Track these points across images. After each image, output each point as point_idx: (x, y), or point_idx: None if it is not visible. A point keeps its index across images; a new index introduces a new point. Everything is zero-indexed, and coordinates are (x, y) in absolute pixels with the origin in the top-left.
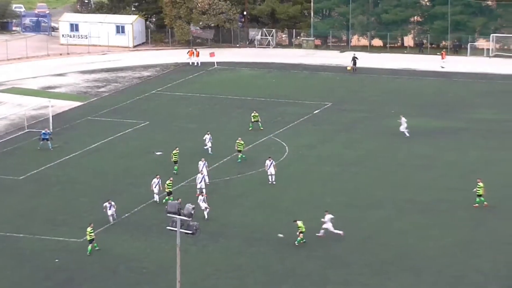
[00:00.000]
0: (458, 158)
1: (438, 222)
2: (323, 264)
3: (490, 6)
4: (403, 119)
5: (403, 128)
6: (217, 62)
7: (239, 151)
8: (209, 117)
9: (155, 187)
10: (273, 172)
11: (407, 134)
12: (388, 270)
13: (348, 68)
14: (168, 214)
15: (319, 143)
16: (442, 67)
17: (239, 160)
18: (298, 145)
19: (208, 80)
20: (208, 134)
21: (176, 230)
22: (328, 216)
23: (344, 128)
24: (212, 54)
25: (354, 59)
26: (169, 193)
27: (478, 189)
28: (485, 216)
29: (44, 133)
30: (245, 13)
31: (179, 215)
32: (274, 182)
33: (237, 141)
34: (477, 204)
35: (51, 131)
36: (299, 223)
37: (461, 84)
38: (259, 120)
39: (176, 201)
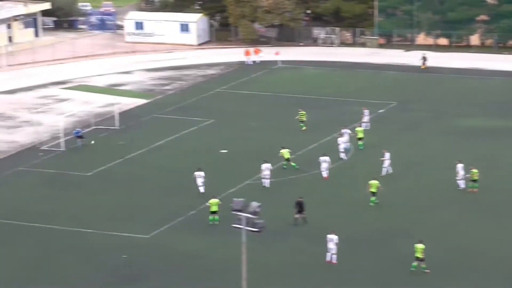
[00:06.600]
0: None
1: None
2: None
3: None
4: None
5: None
6: (281, 61)
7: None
8: (272, 115)
9: (199, 179)
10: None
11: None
12: None
13: (422, 67)
14: (233, 212)
15: (383, 143)
16: None
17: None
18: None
19: (272, 79)
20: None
21: (241, 228)
22: None
23: (408, 128)
24: (277, 53)
25: (424, 57)
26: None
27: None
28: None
29: (76, 132)
30: (309, 11)
31: (245, 213)
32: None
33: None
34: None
35: (82, 129)
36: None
37: None
38: (305, 119)
39: (241, 199)
